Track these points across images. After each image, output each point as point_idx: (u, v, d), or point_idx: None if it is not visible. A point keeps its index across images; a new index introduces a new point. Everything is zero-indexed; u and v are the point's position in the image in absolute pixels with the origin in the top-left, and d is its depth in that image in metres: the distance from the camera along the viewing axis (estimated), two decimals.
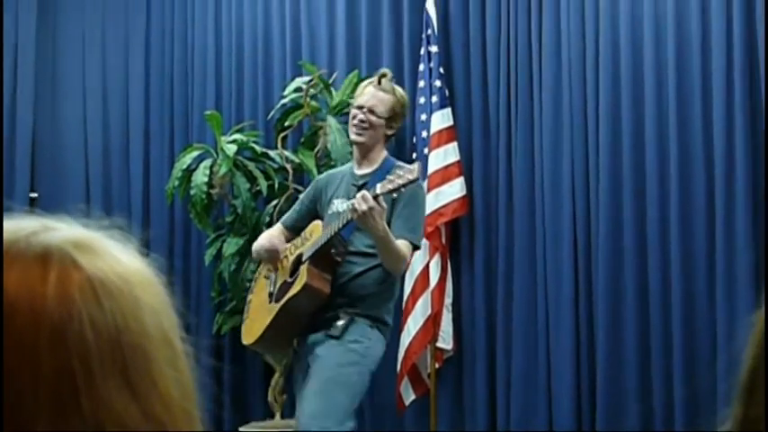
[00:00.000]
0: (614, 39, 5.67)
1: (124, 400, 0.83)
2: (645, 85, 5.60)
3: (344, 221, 4.05)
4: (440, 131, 5.90)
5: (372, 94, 4.31)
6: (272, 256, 4.36)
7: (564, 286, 5.71)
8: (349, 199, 4.21)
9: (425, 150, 5.89)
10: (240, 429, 6.16)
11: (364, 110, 4.29)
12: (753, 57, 5.35)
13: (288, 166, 6.19)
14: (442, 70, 5.98)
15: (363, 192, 3.95)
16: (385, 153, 4.38)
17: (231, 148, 6.02)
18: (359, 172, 4.35)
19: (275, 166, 6.26)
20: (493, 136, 6.00)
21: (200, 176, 6.10)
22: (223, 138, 6.14)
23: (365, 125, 4.28)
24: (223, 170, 6.02)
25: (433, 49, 5.99)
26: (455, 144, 5.91)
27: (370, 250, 4.15)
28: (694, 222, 5.44)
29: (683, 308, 5.41)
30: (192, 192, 6.12)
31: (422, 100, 5.97)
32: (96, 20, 7.05)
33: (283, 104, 6.30)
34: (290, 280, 4.25)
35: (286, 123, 6.24)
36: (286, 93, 6.25)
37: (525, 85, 5.92)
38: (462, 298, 5.97)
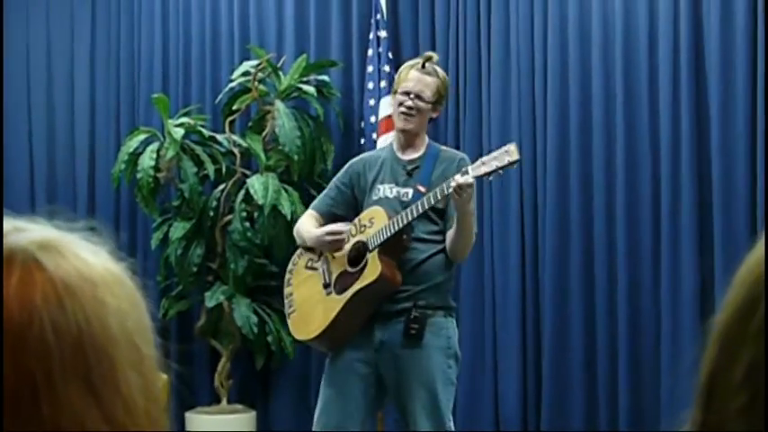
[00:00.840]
0: (562, 25, 5.70)
1: (86, 404, 0.82)
2: (592, 71, 5.63)
3: (422, 207, 3.94)
4: (388, 117, 5.87)
5: (418, 79, 4.15)
6: (335, 246, 4.15)
7: (511, 274, 5.74)
8: (398, 184, 4.13)
9: (374, 135, 5.88)
10: (186, 414, 6.14)
11: (411, 96, 4.14)
12: (698, 40, 5.40)
13: (235, 150, 6.16)
14: (390, 55, 5.98)
15: (458, 177, 3.81)
16: (427, 137, 4.27)
17: (178, 132, 5.97)
18: (405, 156, 4.19)
19: (223, 150, 6.22)
20: (441, 122, 6.00)
21: (147, 160, 6.06)
22: (170, 121, 6.09)
23: (413, 112, 4.14)
24: (170, 154, 5.97)
25: (382, 33, 5.98)
26: None
27: (429, 236, 4.06)
28: (640, 208, 5.50)
29: (628, 291, 5.48)
30: (138, 175, 6.07)
31: (370, 85, 5.96)
32: (41, 2, 6.95)
33: (231, 88, 6.25)
34: (351, 270, 4.09)
35: (234, 107, 6.21)
36: (234, 76, 6.21)
37: (474, 72, 5.93)
38: None
